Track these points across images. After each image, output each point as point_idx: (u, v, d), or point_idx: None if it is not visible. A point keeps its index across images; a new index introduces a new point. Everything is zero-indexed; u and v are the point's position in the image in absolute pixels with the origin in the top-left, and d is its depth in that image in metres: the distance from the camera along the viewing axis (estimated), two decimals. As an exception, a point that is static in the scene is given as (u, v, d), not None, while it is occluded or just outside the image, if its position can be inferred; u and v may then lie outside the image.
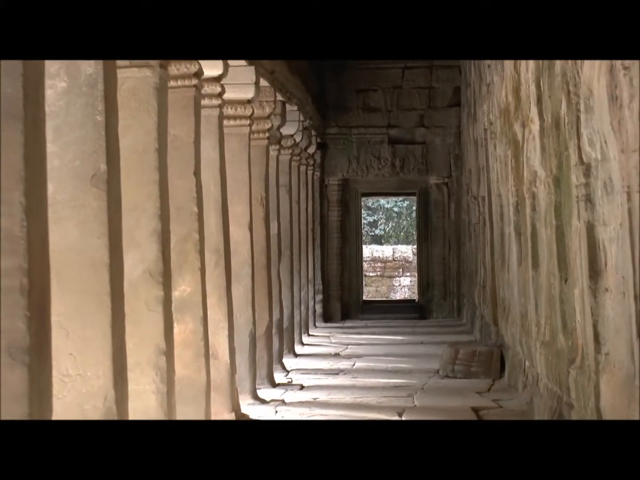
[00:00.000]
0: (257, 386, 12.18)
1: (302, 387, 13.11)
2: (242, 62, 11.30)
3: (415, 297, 24.69)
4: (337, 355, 16.71)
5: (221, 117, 10.63)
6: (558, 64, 8.50)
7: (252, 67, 11.72)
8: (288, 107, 15.28)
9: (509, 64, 12.16)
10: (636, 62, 5.85)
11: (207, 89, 9.99)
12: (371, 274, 30.23)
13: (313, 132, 19.65)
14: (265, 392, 12.42)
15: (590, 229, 7.44)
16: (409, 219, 37.78)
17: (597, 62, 6.96)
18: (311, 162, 20.27)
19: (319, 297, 21.79)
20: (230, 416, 10.46)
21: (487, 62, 15.26)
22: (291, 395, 12.43)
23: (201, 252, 9.31)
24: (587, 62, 7.30)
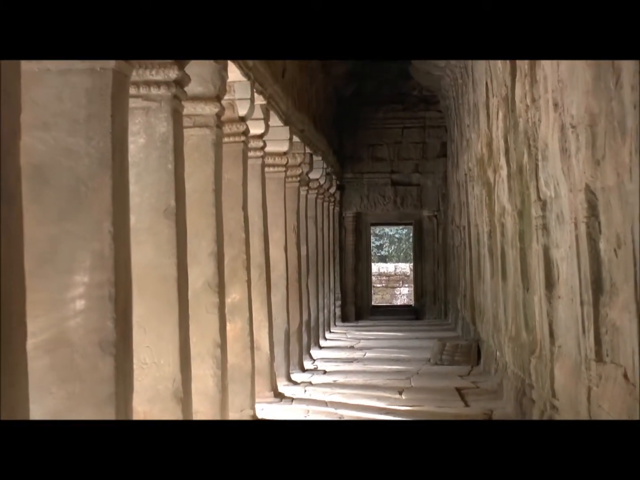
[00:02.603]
0: (290, 371, 12.15)
1: (325, 372, 13.06)
2: (279, 123, 11.32)
3: (412, 302, 24.59)
4: (352, 347, 16.65)
5: (263, 165, 10.64)
6: (521, 124, 8.47)
7: (287, 127, 11.75)
8: (314, 157, 15.30)
9: (483, 124, 12.14)
10: (582, 122, 5.82)
11: (253, 143, 10.00)
12: (378, 285, 30.10)
13: (334, 177, 19.66)
14: (296, 376, 12.39)
15: (546, 250, 7.41)
16: (407, 243, 37.64)
17: (550, 121, 6.93)
18: (332, 200, 20.26)
19: (338, 302, 21.74)
20: (270, 394, 10.44)
21: (467, 122, 15.23)
22: (317, 378, 12.38)
23: (248, 268, 9.31)
24: (543, 122, 7.27)
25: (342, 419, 9.25)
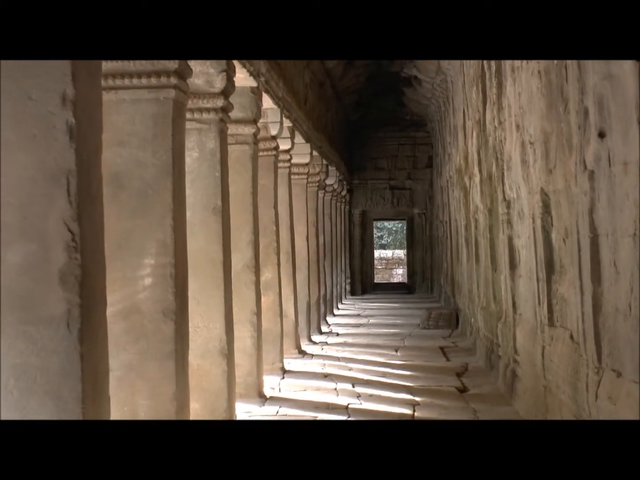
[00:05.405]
0: (311, 334, 12.14)
1: (338, 334, 13.05)
2: (302, 141, 11.30)
3: (405, 280, 24.53)
4: (358, 315, 16.62)
5: (290, 173, 10.63)
6: (490, 141, 8.44)
7: (308, 144, 11.72)
8: (330, 167, 15.27)
9: (461, 141, 12.10)
10: (538, 139, 5.80)
11: (282, 156, 9.99)
12: (379, 267, 30.02)
13: (344, 183, 19.62)
14: (316, 337, 12.38)
15: (510, 239, 7.39)
16: (401, 234, 37.51)
17: (513, 139, 6.90)
18: (343, 200, 20.22)
19: (348, 280, 21.69)
20: (295, 351, 10.44)
21: (448, 140, 15.18)
22: (331, 339, 12.38)
23: (278, 254, 9.31)
24: (507, 140, 7.25)
25: (351, 370, 9.26)
